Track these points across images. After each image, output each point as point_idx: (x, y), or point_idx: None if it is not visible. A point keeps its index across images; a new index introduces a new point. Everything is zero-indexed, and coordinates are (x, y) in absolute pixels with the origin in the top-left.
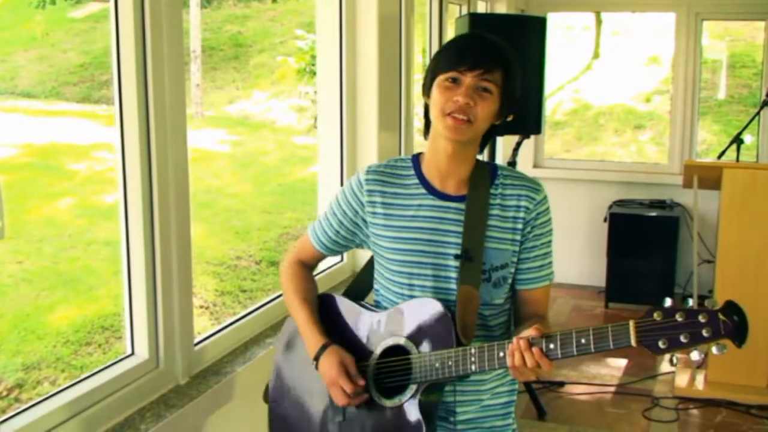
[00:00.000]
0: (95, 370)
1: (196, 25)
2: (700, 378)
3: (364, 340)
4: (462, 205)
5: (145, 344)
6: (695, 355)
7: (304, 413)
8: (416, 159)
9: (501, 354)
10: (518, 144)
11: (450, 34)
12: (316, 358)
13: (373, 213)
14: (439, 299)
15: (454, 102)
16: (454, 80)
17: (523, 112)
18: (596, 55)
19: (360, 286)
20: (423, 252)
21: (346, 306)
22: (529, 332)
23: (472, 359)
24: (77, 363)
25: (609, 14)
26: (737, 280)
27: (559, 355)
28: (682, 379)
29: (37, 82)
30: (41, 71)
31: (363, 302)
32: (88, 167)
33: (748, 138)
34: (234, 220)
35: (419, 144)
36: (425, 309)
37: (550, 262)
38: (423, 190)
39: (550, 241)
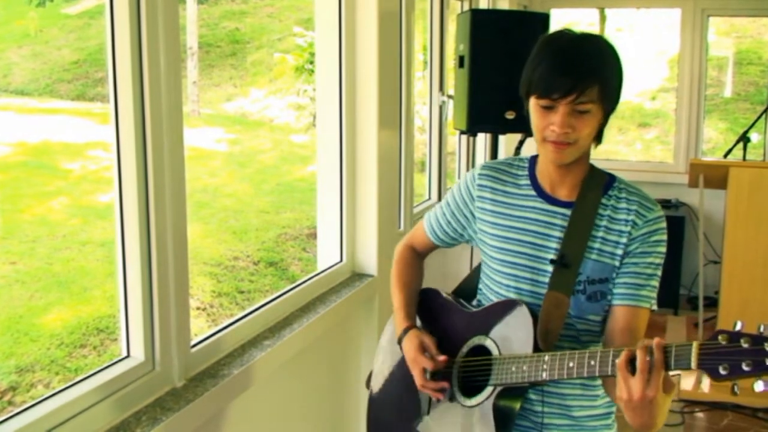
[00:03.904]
0: (90, 373)
1: (193, 22)
2: (705, 381)
3: (455, 338)
4: (569, 211)
5: (141, 346)
6: (760, 386)
7: (394, 402)
8: (533, 160)
9: (571, 364)
10: (520, 143)
11: (451, 30)
12: (399, 341)
13: (482, 209)
14: (528, 303)
15: (552, 131)
16: (548, 107)
17: (525, 111)
18: None
19: (470, 285)
20: (523, 254)
21: (444, 302)
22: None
23: (544, 366)
24: (72, 365)
25: (613, 10)
26: (744, 281)
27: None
28: (687, 382)
29: (31, 80)
30: (35, 68)
31: (461, 300)
32: (83, 166)
33: (754, 136)
34: (231, 219)
35: (420, 143)
36: (511, 311)
37: (653, 287)
38: (533, 192)
39: (657, 265)
